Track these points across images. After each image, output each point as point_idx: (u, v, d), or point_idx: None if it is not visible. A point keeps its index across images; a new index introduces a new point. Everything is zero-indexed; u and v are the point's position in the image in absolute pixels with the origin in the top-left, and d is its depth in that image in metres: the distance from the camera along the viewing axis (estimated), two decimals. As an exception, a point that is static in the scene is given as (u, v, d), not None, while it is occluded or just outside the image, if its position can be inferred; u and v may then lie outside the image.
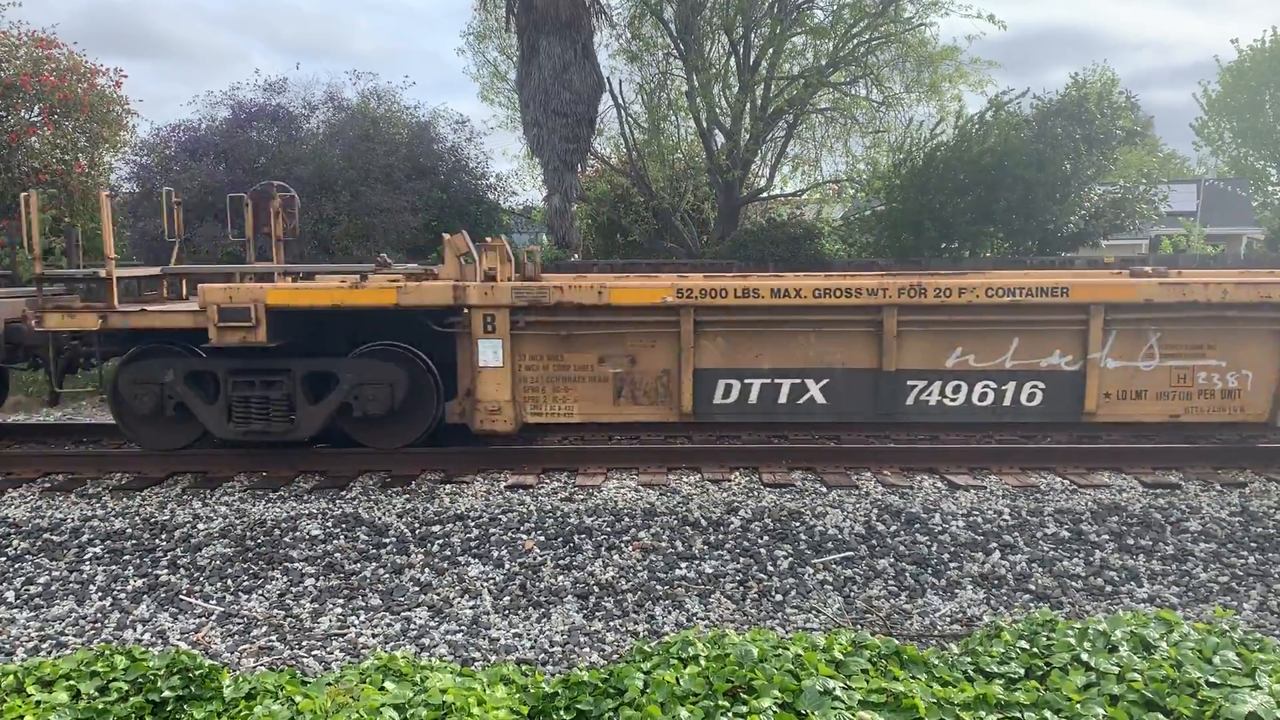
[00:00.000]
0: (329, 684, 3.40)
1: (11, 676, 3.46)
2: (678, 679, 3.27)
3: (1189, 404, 7.21)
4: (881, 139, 19.75)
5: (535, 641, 4.79)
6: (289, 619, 5.03)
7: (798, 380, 7.20)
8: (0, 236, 14.02)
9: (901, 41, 18.45)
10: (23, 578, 5.51)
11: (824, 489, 6.67)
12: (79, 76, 15.45)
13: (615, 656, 4.62)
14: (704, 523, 6.05)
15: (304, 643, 4.78)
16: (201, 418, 7.10)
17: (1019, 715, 3.14)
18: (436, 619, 5.02)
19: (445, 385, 7.32)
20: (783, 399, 7.22)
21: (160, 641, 4.81)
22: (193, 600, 5.26)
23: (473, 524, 6.06)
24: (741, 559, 5.64)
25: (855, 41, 18.46)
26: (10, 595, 5.32)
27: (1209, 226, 25.79)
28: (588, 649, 4.73)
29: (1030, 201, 15.76)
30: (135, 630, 4.95)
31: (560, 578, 5.42)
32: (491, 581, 5.39)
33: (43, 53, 15.27)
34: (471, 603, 5.18)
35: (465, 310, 7.03)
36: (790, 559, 5.64)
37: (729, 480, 6.89)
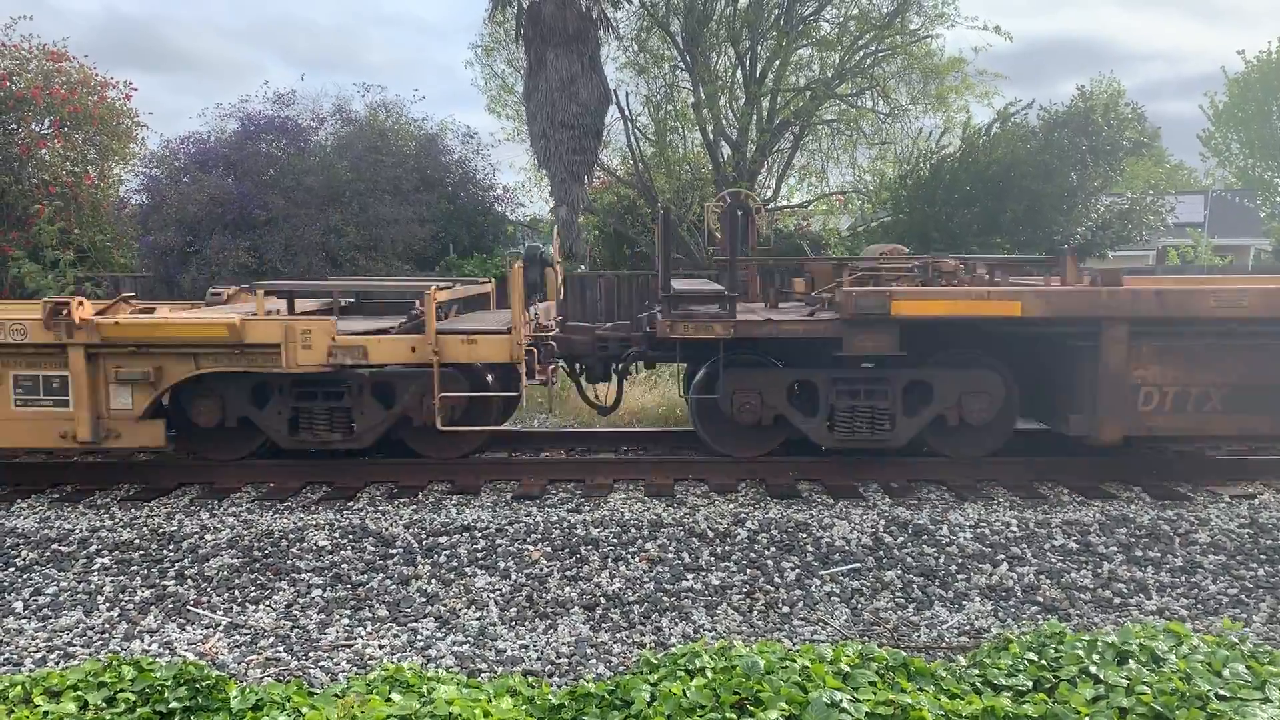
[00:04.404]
0: (336, 695, 3.41)
1: (19, 687, 3.47)
2: (684, 691, 3.27)
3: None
4: (888, 150, 19.78)
5: (542, 653, 4.78)
6: (296, 630, 5.03)
7: None
8: (10, 247, 14.11)
9: (908, 53, 18.48)
10: (31, 588, 5.53)
11: (830, 500, 6.67)
12: (89, 89, 15.55)
13: (622, 668, 4.61)
14: (710, 534, 6.04)
15: (311, 653, 4.78)
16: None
17: (1027, 728, 3.13)
18: (443, 630, 5.02)
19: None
20: None
21: (167, 652, 4.82)
22: (200, 611, 5.27)
23: (479, 535, 6.06)
24: (748, 570, 5.63)
25: (861, 53, 18.49)
26: (19, 606, 5.34)
27: (1217, 238, 25.75)
28: (594, 660, 4.72)
29: (1037, 212, 15.75)
30: (142, 641, 4.96)
31: (567, 589, 5.42)
32: (498, 592, 5.39)
33: (53, 65, 15.38)
34: (478, 614, 5.18)
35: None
36: (797, 570, 5.63)
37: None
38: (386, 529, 6.14)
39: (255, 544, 5.97)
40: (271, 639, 4.94)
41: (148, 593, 5.45)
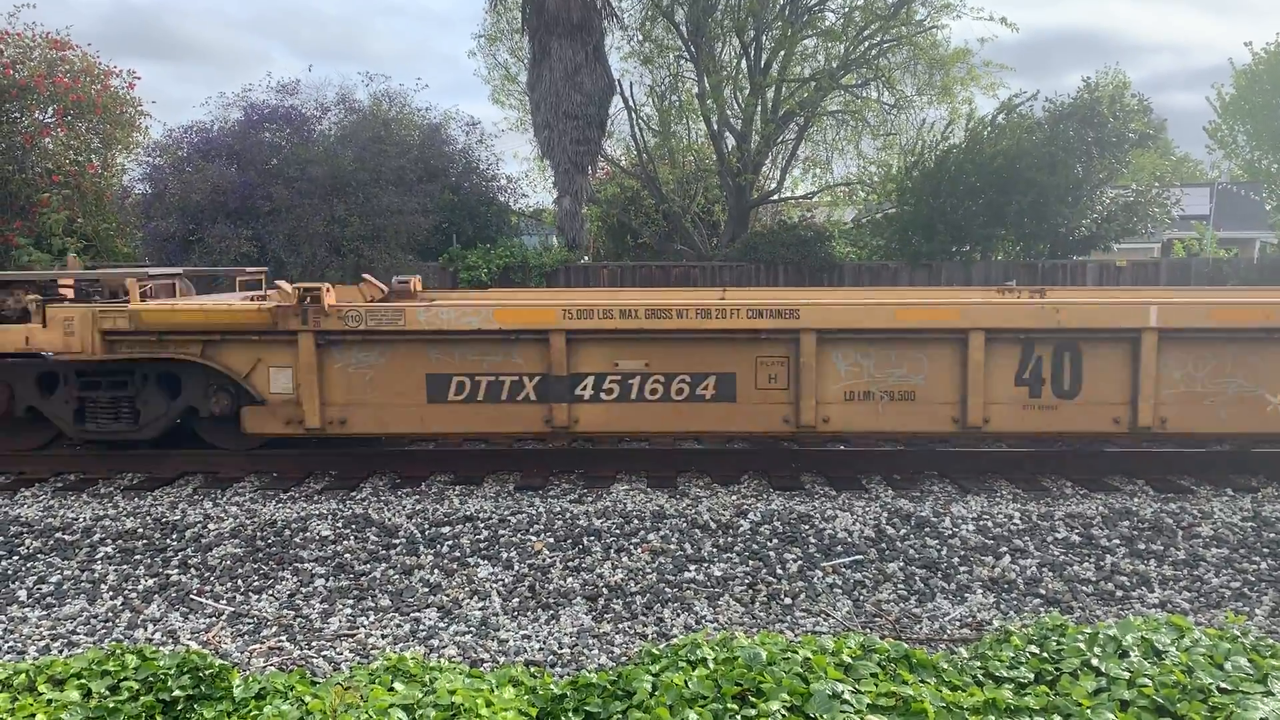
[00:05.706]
0: (339, 684, 3.42)
1: (24, 675, 3.48)
2: (686, 681, 3.27)
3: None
4: (893, 141, 19.76)
5: (544, 643, 4.79)
6: (299, 619, 5.04)
7: None
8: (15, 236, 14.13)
9: (913, 44, 18.44)
10: (35, 576, 5.54)
11: (834, 492, 6.67)
12: (92, 78, 15.54)
13: (624, 659, 4.62)
14: (713, 525, 6.05)
15: (314, 643, 4.80)
16: None
17: (1028, 720, 3.13)
18: (445, 620, 5.03)
19: None
20: None
21: (171, 641, 4.83)
22: (203, 600, 5.28)
23: (482, 525, 6.06)
24: (750, 561, 5.64)
25: (866, 44, 18.44)
26: (23, 594, 5.35)
27: (1222, 230, 25.69)
28: (596, 651, 4.73)
29: (1042, 204, 15.73)
30: (146, 629, 4.97)
31: (569, 579, 5.43)
32: (501, 583, 5.40)
33: (57, 54, 15.37)
34: (480, 604, 5.19)
35: None
36: (799, 562, 5.63)
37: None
38: (389, 519, 6.15)
39: (258, 533, 5.98)
40: (274, 628, 4.95)
41: (151, 581, 5.47)
